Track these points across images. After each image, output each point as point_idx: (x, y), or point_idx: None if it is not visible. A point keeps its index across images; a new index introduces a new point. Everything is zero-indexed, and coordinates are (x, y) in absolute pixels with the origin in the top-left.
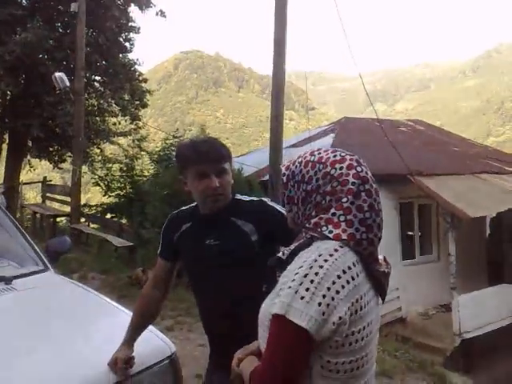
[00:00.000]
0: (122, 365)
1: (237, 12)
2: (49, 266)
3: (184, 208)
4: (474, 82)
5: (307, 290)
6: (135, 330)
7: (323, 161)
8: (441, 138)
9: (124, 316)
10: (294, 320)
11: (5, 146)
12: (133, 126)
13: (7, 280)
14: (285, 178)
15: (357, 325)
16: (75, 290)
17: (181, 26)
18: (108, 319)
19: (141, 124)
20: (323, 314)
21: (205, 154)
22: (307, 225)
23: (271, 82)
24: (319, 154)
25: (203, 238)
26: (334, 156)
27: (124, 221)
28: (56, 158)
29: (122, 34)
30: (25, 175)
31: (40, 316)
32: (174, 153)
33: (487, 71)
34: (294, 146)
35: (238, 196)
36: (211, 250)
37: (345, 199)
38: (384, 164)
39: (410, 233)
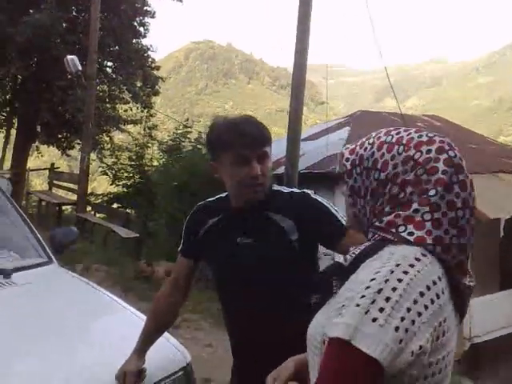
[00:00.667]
0: (131, 378)
1: (251, 2)
2: (52, 258)
3: (211, 199)
4: (486, 80)
5: (381, 310)
6: (148, 337)
7: (404, 142)
8: (458, 134)
9: (129, 315)
10: (363, 348)
11: (13, 132)
12: (144, 114)
13: (6, 274)
14: (348, 164)
15: (436, 354)
16: (79, 285)
17: (194, 15)
18: (113, 318)
19: (153, 112)
20: (400, 341)
21: (248, 136)
22: (377, 223)
23: (291, 74)
24: (398, 133)
25: (234, 236)
26: (419, 136)
27: (130, 211)
28: (64, 145)
29: (137, 18)
30: (32, 161)
31: (39, 315)
32: (183, 143)
33: (501, 69)
34: (308, 139)
35: (276, 187)
36: (243, 250)
37: (432, 192)
38: None
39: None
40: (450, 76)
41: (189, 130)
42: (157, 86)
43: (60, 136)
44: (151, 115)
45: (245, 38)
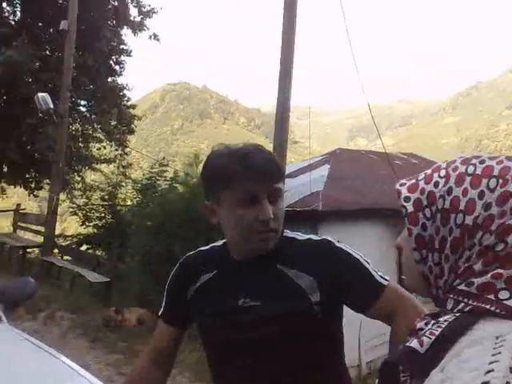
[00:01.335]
0: None
1: (227, 46)
2: (1, 316)
3: (203, 249)
4: (453, 119)
5: None
6: None
7: (496, 173)
8: None
9: None
10: None
11: None
12: (119, 152)
13: None
14: (410, 206)
15: None
16: (30, 351)
17: (170, 57)
18: None
19: (127, 150)
20: None
21: (258, 169)
22: (462, 287)
23: (276, 109)
24: (482, 162)
25: (234, 296)
26: None
27: (100, 253)
28: (32, 185)
29: (113, 57)
30: None
31: None
32: (159, 181)
33: (466, 108)
34: (288, 176)
35: (288, 232)
36: (246, 314)
37: None
38: (383, 197)
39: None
40: (419, 116)
41: (165, 168)
42: (132, 125)
43: (28, 176)
44: (126, 154)
45: (220, 79)
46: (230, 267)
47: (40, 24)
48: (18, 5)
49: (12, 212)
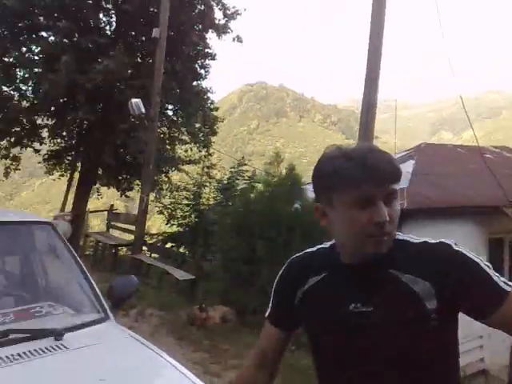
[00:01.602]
0: None
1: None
2: (109, 314)
3: (309, 251)
4: None
5: None
6: None
7: None
8: None
9: None
10: None
11: (76, 174)
12: (203, 153)
13: (58, 334)
14: None
15: None
16: (138, 350)
17: (248, 59)
18: None
19: (212, 151)
20: None
21: (376, 170)
22: None
23: (361, 106)
24: None
25: (344, 301)
26: None
27: (184, 251)
28: (124, 186)
29: (198, 61)
30: (91, 202)
31: None
32: (237, 181)
33: None
34: None
35: (401, 235)
36: (357, 320)
37: None
38: (473, 194)
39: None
40: (507, 106)
41: (244, 168)
42: (215, 127)
43: (120, 178)
44: (210, 154)
45: (296, 78)
46: (339, 270)
47: (133, 33)
48: (113, 15)
49: (101, 211)
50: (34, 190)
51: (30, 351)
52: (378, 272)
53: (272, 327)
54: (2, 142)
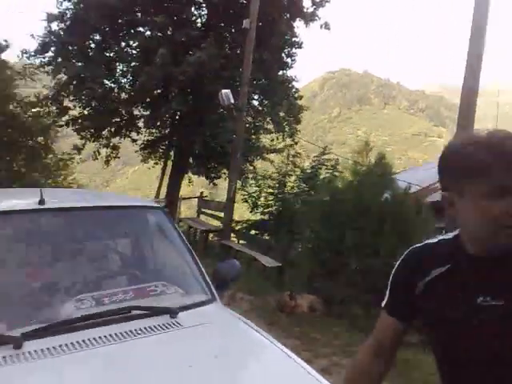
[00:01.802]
0: None
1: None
2: (216, 296)
3: (431, 241)
4: None
5: None
6: None
7: None
8: None
9: (306, 374)
10: None
11: (169, 163)
12: (289, 142)
13: (173, 312)
14: None
15: None
16: (248, 332)
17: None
18: (290, 377)
19: (297, 140)
20: None
21: None
22: None
23: (466, 55)
24: None
25: (471, 294)
26: None
27: (268, 238)
28: (212, 175)
29: (285, 50)
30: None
31: (209, 365)
32: (320, 170)
33: None
34: None
35: None
36: (486, 314)
37: None
38: None
39: None
40: None
41: (327, 157)
42: (299, 115)
43: (209, 166)
44: (295, 143)
45: (382, 64)
46: (466, 262)
47: (222, 24)
48: (204, 8)
49: (192, 198)
50: (128, 178)
51: (149, 327)
52: (509, 264)
53: (389, 317)
54: (103, 132)
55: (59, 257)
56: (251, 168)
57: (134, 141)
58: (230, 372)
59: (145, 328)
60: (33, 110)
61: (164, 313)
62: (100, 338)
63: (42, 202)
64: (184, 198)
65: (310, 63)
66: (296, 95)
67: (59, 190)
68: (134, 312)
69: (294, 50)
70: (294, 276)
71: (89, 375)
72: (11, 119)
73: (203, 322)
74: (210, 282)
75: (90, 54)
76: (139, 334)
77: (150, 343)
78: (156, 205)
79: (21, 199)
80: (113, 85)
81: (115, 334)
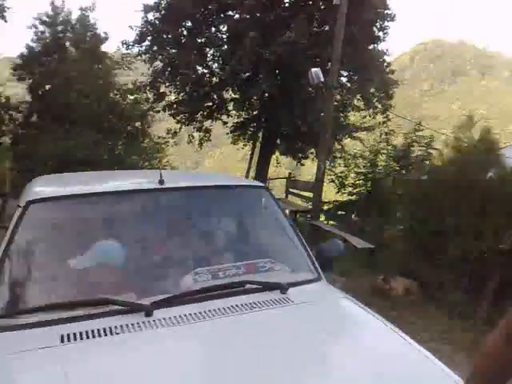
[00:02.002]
0: None
1: None
2: (321, 274)
3: None
4: None
5: None
6: None
7: None
8: None
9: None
10: None
11: (258, 144)
12: (379, 119)
13: (283, 288)
14: None
15: None
16: (357, 311)
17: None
18: (402, 358)
19: (391, 116)
20: None
21: None
22: None
23: None
24: None
25: None
26: None
27: (356, 219)
28: (300, 155)
29: (377, 23)
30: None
31: (321, 342)
32: (413, 147)
33: None
34: None
35: None
36: None
37: None
38: None
39: None
40: None
41: (421, 133)
42: (390, 91)
43: (296, 147)
44: (389, 120)
45: (479, 32)
46: None
47: (311, 2)
48: None
49: (281, 179)
50: (215, 159)
51: (262, 301)
52: None
53: None
54: (196, 116)
55: (177, 233)
56: (339, 147)
57: (225, 123)
58: (347, 350)
59: (258, 302)
60: (131, 97)
61: (275, 288)
62: (219, 309)
63: (161, 181)
64: (272, 179)
65: (401, 35)
66: (387, 70)
67: (174, 171)
68: (248, 286)
69: (386, 24)
70: (388, 258)
71: (216, 343)
72: (112, 106)
73: (312, 299)
74: (315, 261)
75: (183, 40)
76: (254, 307)
77: (267, 316)
78: (261, 184)
79: (143, 180)
80: (205, 70)
81: (232, 307)
